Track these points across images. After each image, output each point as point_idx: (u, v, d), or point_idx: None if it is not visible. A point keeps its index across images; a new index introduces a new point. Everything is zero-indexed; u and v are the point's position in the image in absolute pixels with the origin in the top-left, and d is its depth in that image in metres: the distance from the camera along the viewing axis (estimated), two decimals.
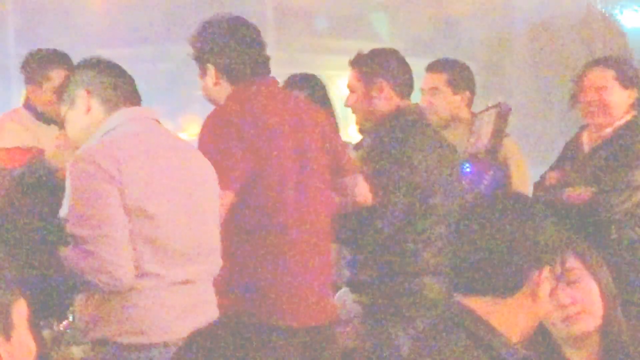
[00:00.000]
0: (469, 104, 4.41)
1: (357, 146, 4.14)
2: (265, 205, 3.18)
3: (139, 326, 2.76)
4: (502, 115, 4.29)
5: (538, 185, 3.92)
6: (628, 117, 3.79)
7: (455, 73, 4.41)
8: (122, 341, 2.75)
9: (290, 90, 4.15)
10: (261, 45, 3.33)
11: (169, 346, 2.75)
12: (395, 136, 3.67)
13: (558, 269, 2.07)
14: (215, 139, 3.13)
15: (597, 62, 3.89)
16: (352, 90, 3.84)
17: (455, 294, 2.07)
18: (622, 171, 3.64)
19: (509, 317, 2.04)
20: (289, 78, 4.29)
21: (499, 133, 4.27)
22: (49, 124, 4.05)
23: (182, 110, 5.62)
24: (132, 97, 2.90)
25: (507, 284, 2.02)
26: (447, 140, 3.90)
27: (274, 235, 3.19)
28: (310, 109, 3.47)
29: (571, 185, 3.74)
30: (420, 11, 6.73)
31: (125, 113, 2.86)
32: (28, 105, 4.24)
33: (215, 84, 3.27)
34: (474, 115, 4.40)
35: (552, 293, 2.06)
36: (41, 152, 3.60)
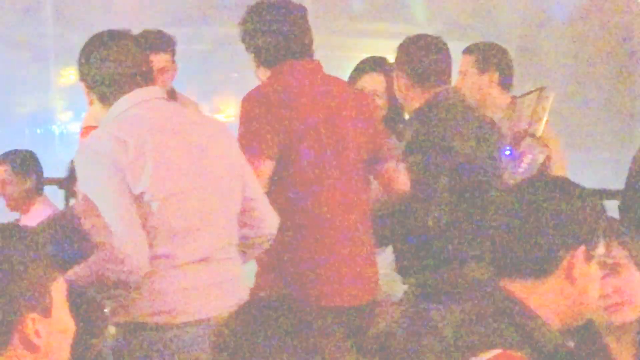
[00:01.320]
0: (502, 85, 4.34)
1: (399, 135, 4.13)
2: (303, 183, 3.18)
3: (156, 305, 2.76)
4: (543, 99, 4.25)
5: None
6: None
7: (483, 53, 4.35)
8: (146, 322, 2.76)
9: (362, 73, 4.10)
10: (302, 28, 3.32)
11: (193, 325, 2.77)
12: (435, 121, 3.65)
13: (601, 254, 2.04)
14: (253, 112, 3.14)
15: None
16: (396, 79, 3.82)
17: (497, 278, 2.08)
18: None
19: (546, 300, 2.03)
20: (361, 61, 4.26)
21: (538, 117, 4.23)
22: None
23: (217, 91, 5.60)
24: (140, 78, 2.82)
25: (542, 265, 2.02)
26: (488, 120, 3.88)
27: (314, 214, 3.19)
28: (351, 93, 3.46)
29: None
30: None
31: (129, 97, 2.80)
32: None
33: (257, 66, 3.29)
34: (514, 99, 4.35)
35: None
36: None
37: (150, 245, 2.72)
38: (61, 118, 6.11)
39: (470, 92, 4.22)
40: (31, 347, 1.68)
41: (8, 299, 1.66)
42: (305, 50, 3.31)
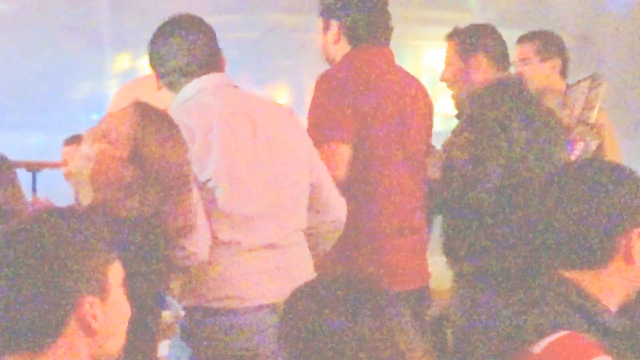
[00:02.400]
0: (561, 72, 4.33)
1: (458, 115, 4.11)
2: (373, 169, 3.19)
3: (222, 290, 2.78)
4: (595, 87, 4.24)
5: None
6: None
7: (544, 41, 4.33)
8: (211, 306, 2.78)
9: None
10: (387, 13, 3.34)
11: (259, 310, 2.78)
12: (494, 106, 3.62)
13: None
14: (329, 97, 3.13)
15: None
16: (448, 64, 3.80)
17: (552, 266, 2.08)
18: None
19: (607, 286, 2.03)
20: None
21: (591, 105, 4.21)
22: None
23: (269, 79, 5.59)
24: (208, 65, 2.84)
25: (599, 253, 2.01)
26: (550, 110, 3.85)
27: (375, 200, 3.20)
28: (416, 84, 3.45)
29: None
30: None
31: (197, 84, 2.82)
32: None
33: (336, 41, 3.27)
34: (568, 87, 4.33)
35: None
36: None
37: (217, 231, 2.74)
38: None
39: (532, 79, 4.22)
40: (88, 331, 1.68)
41: (66, 281, 1.66)
42: (387, 36, 3.33)
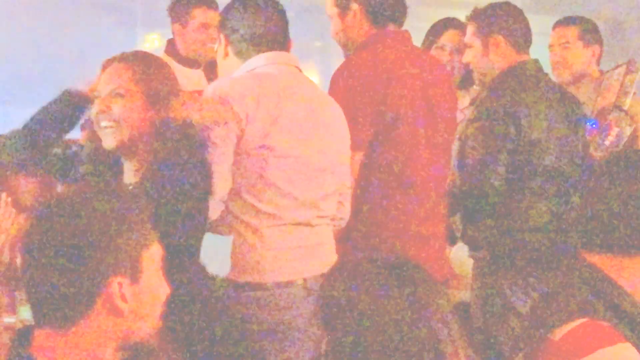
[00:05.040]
0: (598, 59, 4.35)
1: (473, 101, 4.10)
2: (398, 164, 3.19)
3: (255, 266, 2.80)
4: (630, 73, 4.22)
5: None
6: None
7: (586, 27, 4.35)
8: (239, 280, 2.80)
9: (444, 29, 4.17)
10: None
11: (286, 286, 2.82)
12: (508, 94, 3.62)
13: None
14: (346, 97, 3.11)
15: None
16: (469, 46, 3.79)
17: (581, 251, 2.04)
18: None
19: (633, 276, 2.00)
20: (438, 22, 4.28)
21: (625, 91, 4.20)
22: (192, 67, 4.13)
23: (300, 59, 5.63)
24: (276, 43, 2.89)
25: (633, 243, 1.99)
26: (571, 96, 3.85)
27: (405, 192, 3.21)
28: (438, 65, 3.43)
29: None
30: None
31: (265, 57, 2.87)
32: (169, 51, 4.33)
33: (356, 23, 3.26)
34: (602, 73, 4.34)
35: None
36: None
37: (259, 199, 2.78)
38: None
39: (572, 64, 4.22)
40: (115, 311, 1.69)
41: (96, 259, 1.67)
42: (404, 16, 3.32)
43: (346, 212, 3.03)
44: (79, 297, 1.67)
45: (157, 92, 2.64)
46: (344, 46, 3.31)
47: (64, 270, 1.66)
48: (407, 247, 3.12)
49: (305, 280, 2.81)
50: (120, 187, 2.48)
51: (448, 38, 4.13)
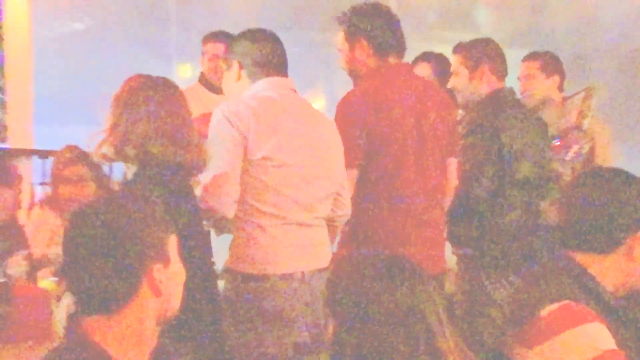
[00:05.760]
0: (560, 87, 4.35)
1: (460, 122, 4.09)
2: (389, 177, 3.16)
3: (258, 259, 2.79)
4: (588, 98, 4.23)
5: None
6: None
7: (547, 61, 4.35)
8: (244, 271, 2.79)
9: (418, 61, 4.16)
10: (401, 30, 3.30)
11: (292, 277, 2.79)
12: (491, 115, 3.62)
13: None
14: (344, 122, 3.10)
15: None
16: (455, 74, 3.78)
17: (563, 248, 2.09)
18: None
19: (607, 272, 2.05)
20: (422, 53, 4.25)
21: (584, 114, 4.20)
22: (216, 93, 4.18)
23: (307, 86, 5.59)
24: (278, 68, 2.91)
25: (606, 243, 2.04)
26: (538, 117, 3.86)
27: (397, 199, 3.17)
28: (434, 91, 3.41)
29: None
30: (516, 7, 6.67)
31: (268, 81, 2.88)
32: (201, 79, 4.42)
33: (365, 56, 3.23)
34: (565, 98, 4.34)
35: None
36: None
37: (262, 202, 2.78)
38: None
39: (536, 92, 4.24)
40: (156, 292, 1.71)
41: (139, 251, 1.68)
42: (403, 49, 3.29)
43: (347, 208, 3.01)
44: (127, 284, 1.68)
45: None
46: (351, 75, 3.30)
47: (114, 264, 1.67)
48: (403, 247, 3.08)
49: (303, 273, 2.80)
50: (133, 192, 2.47)
51: (420, 68, 4.14)
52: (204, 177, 2.75)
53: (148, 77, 2.64)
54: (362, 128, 3.08)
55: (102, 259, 1.67)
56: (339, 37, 3.28)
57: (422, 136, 3.20)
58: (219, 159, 2.73)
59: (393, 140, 3.13)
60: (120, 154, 2.55)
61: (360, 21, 3.23)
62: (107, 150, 2.56)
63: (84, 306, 1.71)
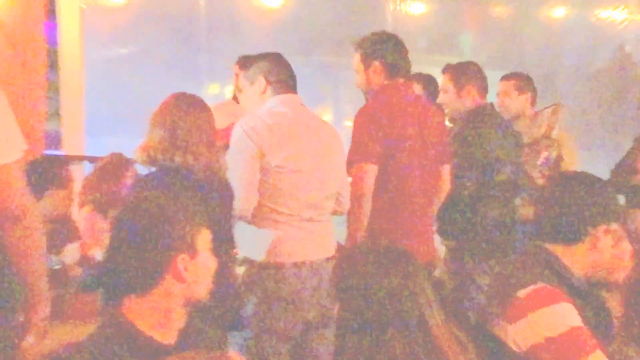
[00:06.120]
0: (532, 102, 4.34)
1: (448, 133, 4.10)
2: (397, 179, 3.16)
3: (275, 250, 2.78)
4: (556, 112, 4.24)
5: (618, 170, 3.74)
6: None
7: (520, 80, 4.33)
8: (261, 260, 2.79)
9: (410, 82, 4.14)
10: (408, 54, 3.29)
11: (301, 265, 2.78)
12: (474, 127, 3.63)
13: (616, 230, 2.07)
14: (363, 127, 3.11)
15: None
16: (444, 91, 3.79)
17: (537, 240, 2.10)
18: None
19: (575, 261, 2.07)
20: (413, 74, 4.27)
21: (552, 125, 4.21)
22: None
23: (318, 103, 5.60)
24: (290, 86, 2.90)
25: (573, 235, 2.06)
26: (514, 129, 3.87)
27: (401, 199, 3.17)
28: (431, 107, 3.44)
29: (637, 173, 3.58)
30: (494, 34, 6.66)
31: (281, 97, 2.87)
32: (234, 96, 4.34)
33: (376, 76, 3.23)
34: (536, 112, 4.34)
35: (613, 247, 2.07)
36: None
37: (275, 202, 2.77)
38: None
39: (512, 107, 4.25)
40: (180, 279, 1.70)
41: (166, 243, 1.68)
42: (409, 71, 3.30)
43: (345, 205, 3.01)
44: (155, 270, 1.69)
45: None
46: (365, 92, 3.31)
47: (146, 252, 1.68)
48: (403, 238, 3.09)
49: (311, 262, 2.80)
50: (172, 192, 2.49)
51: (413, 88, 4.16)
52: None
53: (177, 96, 2.63)
54: (377, 133, 3.09)
55: (136, 248, 1.69)
56: (356, 59, 3.28)
57: (424, 144, 3.21)
58: (239, 169, 2.74)
59: (402, 146, 3.14)
60: (145, 159, 2.56)
61: (374, 47, 3.24)
62: (139, 156, 2.57)
63: (121, 286, 1.72)
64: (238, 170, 2.73)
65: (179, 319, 1.73)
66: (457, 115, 3.73)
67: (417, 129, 3.19)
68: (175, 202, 1.76)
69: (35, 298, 2.03)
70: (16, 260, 1.98)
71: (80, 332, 2.65)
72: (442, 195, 3.41)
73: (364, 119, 3.13)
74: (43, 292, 2.05)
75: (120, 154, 3.68)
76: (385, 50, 3.22)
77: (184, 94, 2.64)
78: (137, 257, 1.69)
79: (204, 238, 1.74)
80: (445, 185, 3.40)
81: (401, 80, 3.25)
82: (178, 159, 2.50)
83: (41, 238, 2.03)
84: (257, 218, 2.80)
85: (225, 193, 2.67)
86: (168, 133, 2.53)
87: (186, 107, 2.58)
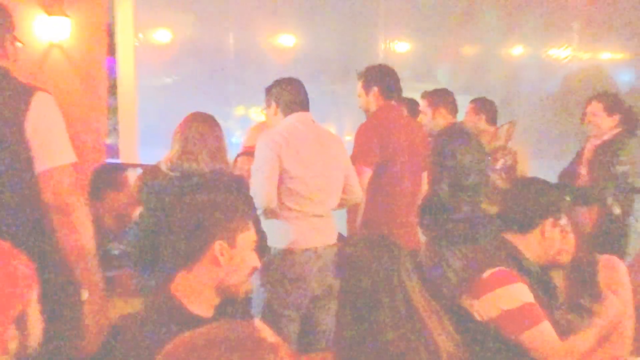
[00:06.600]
0: (488, 120, 4.30)
1: None
2: (392, 182, 3.16)
3: (288, 237, 2.77)
4: (511, 127, 4.25)
5: (564, 175, 3.73)
6: (612, 134, 3.51)
7: (481, 103, 4.31)
8: (276, 247, 2.77)
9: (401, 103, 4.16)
10: (400, 82, 3.30)
11: (308, 251, 2.77)
12: (446, 142, 3.61)
13: (564, 223, 2.05)
14: (364, 138, 3.12)
15: (594, 97, 3.61)
16: (423, 113, 3.81)
17: (498, 231, 2.09)
18: (606, 166, 3.39)
19: (528, 247, 2.05)
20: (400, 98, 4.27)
21: (509, 138, 4.21)
22: None
23: (323, 121, 5.61)
24: (302, 105, 2.87)
25: (526, 226, 2.04)
26: (478, 141, 3.85)
27: (393, 198, 3.17)
28: (416, 124, 3.44)
29: (579, 178, 3.56)
30: (464, 66, 6.65)
31: (294, 115, 2.85)
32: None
33: (375, 98, 3.22)
34: (496, 128, 4.31)
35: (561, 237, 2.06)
36: None
37: (293, 203, 2.75)
38: (236, 138, 6.11)
39: (474, 125, 4.24)
40: (216, 262, 1.66)
41: (208, 228, 1.66)
42: (401, 95, 3.31)
43: (355, 194, 2.95)
44: (196, 247, 1.66)
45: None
46: (366, 111, 3.30)
47: (191, 233, 1.67)
48: (393, 230, 3.08)
49: (316, 248, 2.78)
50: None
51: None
52: (252, 186, 2.72)
53: (190, 115, 2.62)
54: (376, 144, 3.09)
55: (184, 230, 1.67)
56: (359, 86, 3.29)
57: (411, 154, 3.21)
58: (263, 172, 2.72)
59: (396, 157, 3.13)
60: (169, 167, 2.55)
61: (373, 76, 3.25)
62: (164, 164, 2.56)
63: (171, 262, 1.70)
64: (262, 173, 2.72)
65: (214, 297, 1.69)
66: (433, 131, 3.72)
67: (406, 142, 3.19)
68: (218, 200, 1.73)
69: (86, 279, 1.98)
70: (68, 251, 1.93)
71: (129, 306, 2.65)
72: (421, 196, 3.41)
73: (365, 132, 3.12)
74: (93, 275, 1.99)
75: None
76: (381, 78, 3.24)
77: (195, 113, 2.62)
78: (186, 237, 1.67)
79: (246, 237, 1.70)
80: (424, 187, 3.40)
81: (394, 102, 3.24)
82: (186, 165, 2.49)
83: (87, 232, 1.96)
84: (274, 214, 2.79)
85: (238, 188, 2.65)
86: (181, 146, 2.52)
87: (195, 123, 2.56)
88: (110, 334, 1.68)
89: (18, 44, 2.02)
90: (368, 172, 3.07)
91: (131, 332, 1.58)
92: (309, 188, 2.78)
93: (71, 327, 1.93)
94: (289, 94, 2.86)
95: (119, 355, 1.56)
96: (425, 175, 3.40)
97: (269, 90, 2.98)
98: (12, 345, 1.19)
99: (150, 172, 2.61)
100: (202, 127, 2.55)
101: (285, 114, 2.86)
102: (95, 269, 2.00)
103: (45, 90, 1.93)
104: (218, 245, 1.66)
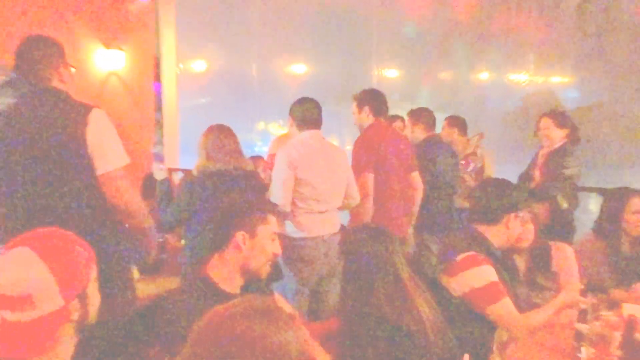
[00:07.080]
0: (464, 133, 4.25)
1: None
2: (385, 183, 3.11)
3: (300, 228, 2.74)
4: (480, 138, 4.21)
5: (522, 177, 3.68)
6: (560, 144, 3.47)
7: (455, 120, 4.26)
8: (291, 235, 2.74)
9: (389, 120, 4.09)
10: (387, 103, 3.25)
11: (316, 238, 2.74)
12: (427, 150, 3.60)
13: (524, 216, 2.00)
14: (360, 149, 3.07)
15: (545, 114, 3.56)
16: (407, 128, 3.77)
17: (470, 222, 2.05)
18: (556, 170, 3.35)
19: (495, 236, 2.01)
20: (390, 116, 4.21)
21: (477, 146, 4.18)
22: None
23: (328, 134, 5.55)
24: (315, 123, 2.80)
25: (493, 219, 2.00)
26: (453, 150, 3.83)
27: (386, 195, 3.12)
28: (402, 136, 3.40)
29: (534, 179, 3.52)
30: (442, 90, 6.63)
31: (307, 132, 2.80)
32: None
33: (367, 117, 3.17)
34: (468, 138, 4.26)
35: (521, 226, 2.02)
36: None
37: (301, 202, 2.70)
38: (258, 147, 6.09)
39: (449, 137, 4.20)
40: (239, 249, 1.63)
41: (233, 220, 1.63)
42: (387, 113, 3.25)
43: (356, 199, 2.92)
44: (222, 236, 1.64)
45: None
46: (359, 127, 3.27)
47: (220, 224, 1.62)
48: (387, 222, 3.04)
49: (323, 236, 2.75)
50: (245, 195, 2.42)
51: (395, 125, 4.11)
52: (271, 191, 2.71)
53: (212, 126, 2.67)
54: (369, 153, 3.05)
55: (212, 223, 1.67)
56: (353, 105, 3.25)
57: (399, 159, 3.17)
58: (280, 179, 2.68)
59: (387, 164, 3.09)
60: (200, 170, 2.60)
61: (365, 97, 3.21)
62: (196, 169, 2.60)
63: (208, 247, 1.68)
64: (279, 179, 2.69)
65: (240, 278, 1.67)
66: (415, 142, 3.70)
67: (394, 151, 3.16)
68: (239, 199, 1.71)
69: (145, 246, 2.01)
70: (132, 230, 1.94)
71: (169, 283, 2.64)
72: (419, 194, 3.33)
73: (360, 145, 3.10)
74: (152, 256, 2.05)
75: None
76: (372, 99, 3.19)
77: (212, 125, 2.68)
78: (213, 229, 1.67)
79: (266, 229, 1.66)
80: (419, 186, 3.33)
81: (382, 119, 3.22)
82: (211, 167, 2.56)
83: (149, 229, 1.97)
84: (286, 215, 2.76)
85: (253, 183, 2.65)
86: (204, 153, 2.59)
87: (212, 134, 2.61)
88: (156, 305, 1.67)
89: (72, 69, 1.99)
90: (371, 176, 3.04)
91: (174, 304, 1.57)
92: (318, 192, 2.75)
93: (123, 301, 1.93)
94: (302, 113, 2.81)
95: (163, 324, 1.55)
96: (416, 175, 3.35)
97: (291, 107, 2.95)
98: (75, 316, 1.19)
99: (187, 175, 2.65)
100: (218, 136, 2.63)
101: (300, 129, 2.81)
102: (154, 252, 2.05)
103: (99, 107, 1.91)
104: (240, 236, 1.64)
